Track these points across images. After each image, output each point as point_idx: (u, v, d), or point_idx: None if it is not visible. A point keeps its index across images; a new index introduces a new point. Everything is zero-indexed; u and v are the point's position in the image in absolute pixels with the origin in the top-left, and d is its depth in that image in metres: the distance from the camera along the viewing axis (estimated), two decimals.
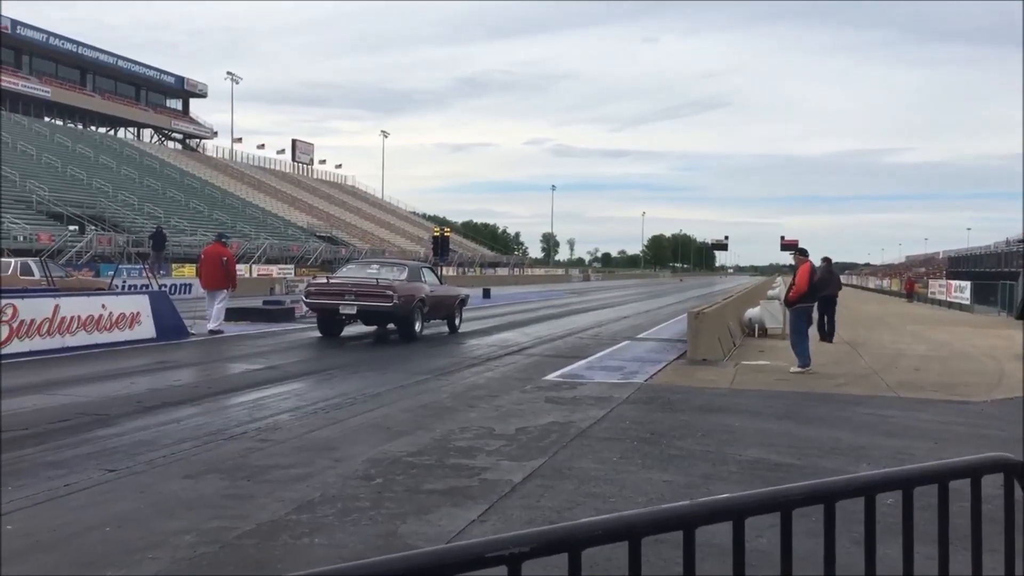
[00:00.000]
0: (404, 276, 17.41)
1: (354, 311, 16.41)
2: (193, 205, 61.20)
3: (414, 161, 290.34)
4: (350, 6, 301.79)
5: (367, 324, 17.76)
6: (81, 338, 13.75)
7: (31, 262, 22.53)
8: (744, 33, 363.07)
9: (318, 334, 17.23)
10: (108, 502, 5.40)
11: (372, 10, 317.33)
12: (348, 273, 18.34)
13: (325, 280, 17.78)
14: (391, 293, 16.12)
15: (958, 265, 49.80)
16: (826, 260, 13.47)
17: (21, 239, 38.70)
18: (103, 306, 14.40)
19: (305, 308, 18.30)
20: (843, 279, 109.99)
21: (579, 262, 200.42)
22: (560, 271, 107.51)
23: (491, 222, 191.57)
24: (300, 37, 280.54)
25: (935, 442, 7.84)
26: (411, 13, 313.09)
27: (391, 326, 17.47)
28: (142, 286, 24.62)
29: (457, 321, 19.49)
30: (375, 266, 18.79)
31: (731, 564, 1.62)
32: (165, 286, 25.76)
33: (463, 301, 19.97)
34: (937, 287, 44.28)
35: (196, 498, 5.51)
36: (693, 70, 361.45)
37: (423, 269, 19.15)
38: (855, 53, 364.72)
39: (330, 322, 17.13)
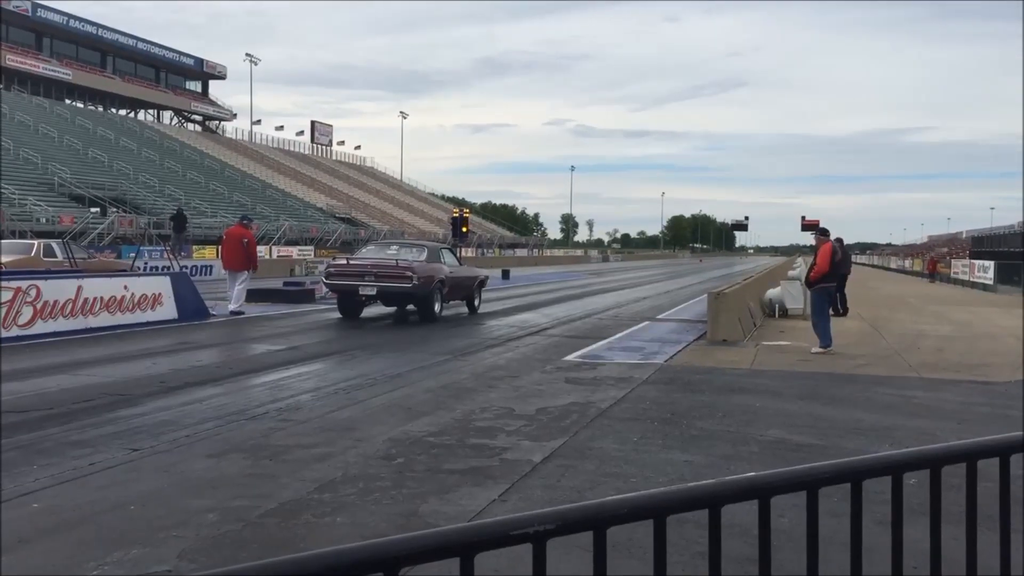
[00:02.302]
0: (423, 257, 17.25)
1: (374, 292, 16.37)
2: (213, 187, 61.43)
3: (434, 142, 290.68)
4: None
5: (386, 305, 17.62)
6: (104, 319, 13.87)
7: (54, 244, 22.67)
8: (766, 11, 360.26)
9: (338, 315, 17.29)
10: (132, 481, 5.45)
11: None
12: (368, 254, 18.29)
13: (345, 261, 17.65)
14: (411, 274, 16.08)
15: (981, 245, 49.23)
16: (838, 240, 13.49)
17: (44, 221, 38.99)
18: (125, 287, 14.50)
19: (325, 289, 18.31)
20: (864, 259, 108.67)
21: (598, 243, 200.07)
22: (579, 252, 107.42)
23: (510, 203, 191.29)
24: (320, 18, 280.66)
25: (958, 422, 7.79)
26: None
27: (411, 307, 17.46)
28: (163, 267, 24.76)
29: (476, 302, 19.52)
30: (394, 247, 18.61)
31: (751, 543, 1.60)
32: (186, 267, 25.94)
33: (482, 282, 19.99)
34: (960, 267, 43.86)
35: (219, 477, 5.56)
36: (715, 49, 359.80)
37: (442, 250, 19.01)
38: (878, 31, 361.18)
39: (350, 303, 17.07)
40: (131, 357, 11.29)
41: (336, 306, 17.59)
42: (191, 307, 15.90)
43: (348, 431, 6.94)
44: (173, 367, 10.46)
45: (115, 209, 44.59)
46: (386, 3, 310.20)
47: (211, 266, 33.26)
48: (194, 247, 39.54)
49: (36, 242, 22.55)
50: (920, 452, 1.78)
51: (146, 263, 28.31)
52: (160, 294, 15.22)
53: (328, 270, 17.44)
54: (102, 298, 13.88)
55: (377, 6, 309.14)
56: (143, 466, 5.81)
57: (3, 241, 24.28)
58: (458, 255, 20.78)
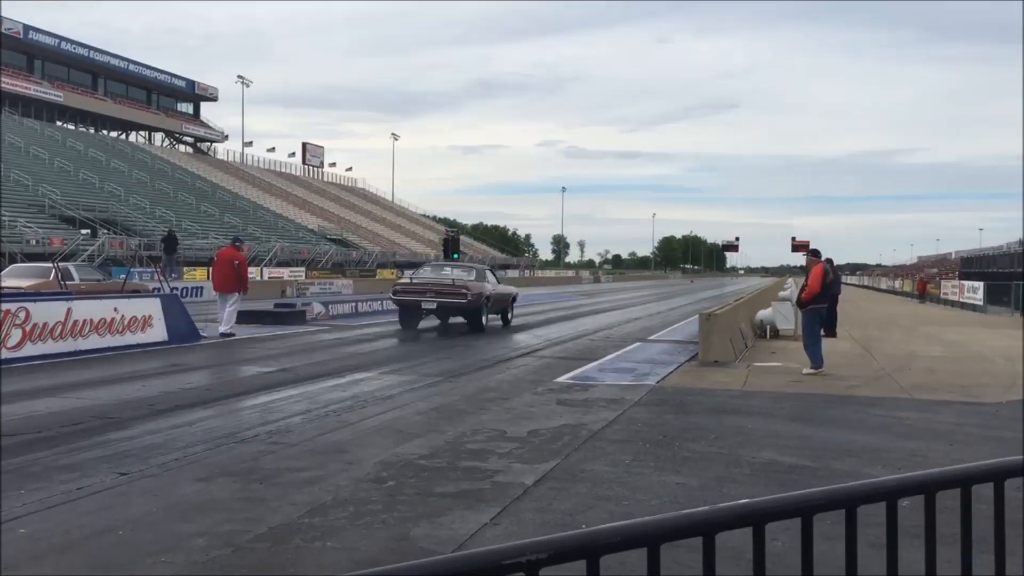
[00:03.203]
0: (473, 277, 20.19)
1: (434, 306, 19.11)
2: (204, 208, 61.40)
3: (426, 163, 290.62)
4: (363, 8, 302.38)
5: (440, 317, 20.42)
6: (93, 341, 13.79)
7: (71, 267, 22.64)
8: (758, 33, 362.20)
9: (332, 336, 17.29)
10: (120, 505, 5.40)
11: (385, 12, 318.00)
12: (426, 275, 21.03)
13: (409, 280, 20.55)
14: (465, 291, 18.88)
15: (971, 265, 49.50)
16: (828, 261, 13.59)
17: (34, 243, 38.86)
18: (115, 309, 14.44)
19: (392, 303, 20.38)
20: (854, 280, 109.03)
21: (589, 264, 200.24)
22: (571, 273, 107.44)
23: (502, 224, 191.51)
24: (313, 39, 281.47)
25: (950, 444, 7.78)
26: (424, 15, 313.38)
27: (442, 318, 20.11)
28: (154, 289, 24.67)
29: (509, 315, 22.34)
30: (448, 268, 21.72)
31: (744, 566, 1.59)
32: (176, 289, 25.85)
33: (515, 298, 23.08)
34: (950, 288, 44.03)
35: (208, 501, 5.51)
36: (706, 70, 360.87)
37: (486, 271, 22.08)
38: (869, 53, 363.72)
39: (410, 315, 19.66)
40: (120, 380, 11.22)
41: (398, 319, 20.09)
42: (181, 329, 15.84)
43: (339, 454, 6.90)
44: (163, 390, 10.40)
45: (106, 231, 44.50)
46: (379, 25, 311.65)
47: (202, 287, 33.16)
48: (185, 268, 39.44)
49: (51, 265, 22.52)
50: (914, 478, 1.77)
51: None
52: (150, 316, 15.16)
53: (395, 287, 20.29)
54: (92, 320, 13.82)
55: (370, 28, 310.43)
56: (132, 490, 5.76)
57: (20, 265, 24.39)
58: (496, 275, 23.74)
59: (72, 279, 21.34)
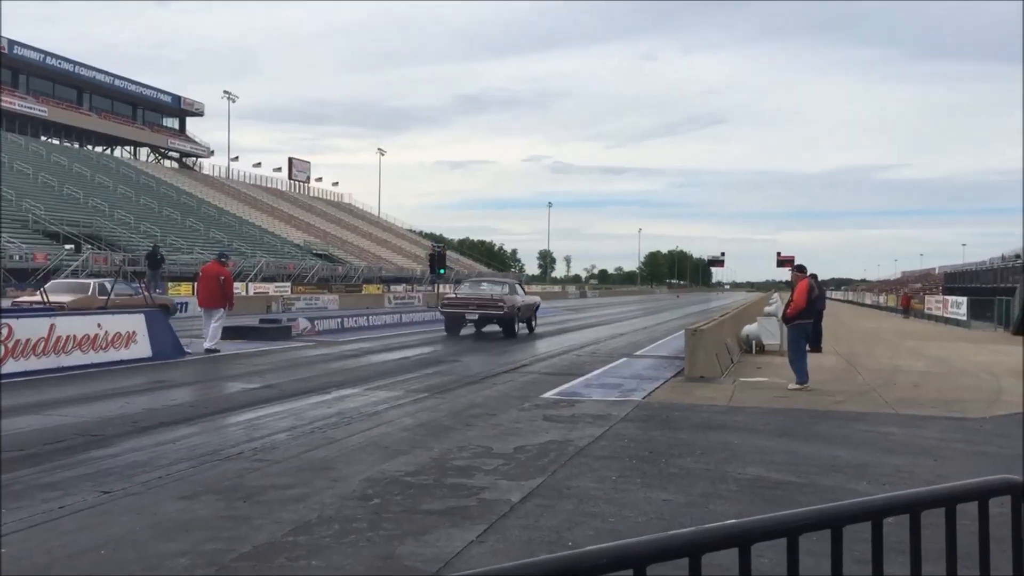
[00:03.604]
0: (506, 291, 23.90)
1: (476, 316, 22.62)
2: (190, 223, 61.18)
3: (413, 178, 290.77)
4: (350, 24, 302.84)
5: (478, 327, 23.48)
6: (76, 357, 13.70)
7: (106, 282, 23.47)
8: (743, 50, 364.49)
9: (318, 351, 17.40)
10: (103, 524, 5.35)
11: (372, 28, 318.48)
12: (466, 290, 24.97)
13: (455, 295, 24.63)
14: (502, 304, 22.56)
15: (954, 281, 49.84)
16: (813, 276, 13.69)
17: (17, 258, 38.62)
18: (99, 325, 14.35)
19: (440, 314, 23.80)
20: (839, 295, 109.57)
21: (576, 279, 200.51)
22: (557, 288, 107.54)
23: (488, 239, 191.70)
24: (300, 55, 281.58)
25: (935, 459, 7.81)
26: (411, 31, 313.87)
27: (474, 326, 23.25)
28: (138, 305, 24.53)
29: (533, 323, 25.74)
30: (485, 284, 25.84)
31: None
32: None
33: (537, 307, 26.83)
34: (933, 303, 44.31)
35: (192, 520, 5.47)
36: (692, 87, 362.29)
37: (516, 284, 26.15)
38: (853, 70, 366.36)
39: (456, 323, 23.08)
40: (104, 396, 11.14)
41: (444, 327, 23.41)
42: (166, 345, 15.75)
43: (324, 471, 6.86)
44: (147, 406, 10.33)
45: (90, 246, 44.27)
46: (366, 40, 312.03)
47: (187, 303, 32.99)
48: (170, 284, 39.25)
49: (92, 281, 23.80)
50: (900, 497, 1.77)
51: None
52: (134, 332, 15.06)
53: (443, 301, 24.55)
54: (75, 336, 13.73)
55: (357, 43, 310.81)
56: (114, 509, 5.71)
57: (60, 280, 26.01)
58: (523, 287, 28.15)
59: (106, 294, 22.04)
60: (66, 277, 33.46)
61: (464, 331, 23.66)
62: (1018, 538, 1.89)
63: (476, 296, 23.28)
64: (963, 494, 1.84)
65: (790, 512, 1.62)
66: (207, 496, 6.04)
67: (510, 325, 22.84)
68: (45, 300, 19.07)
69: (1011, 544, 1.92)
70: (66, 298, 20.81)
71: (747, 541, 1.54)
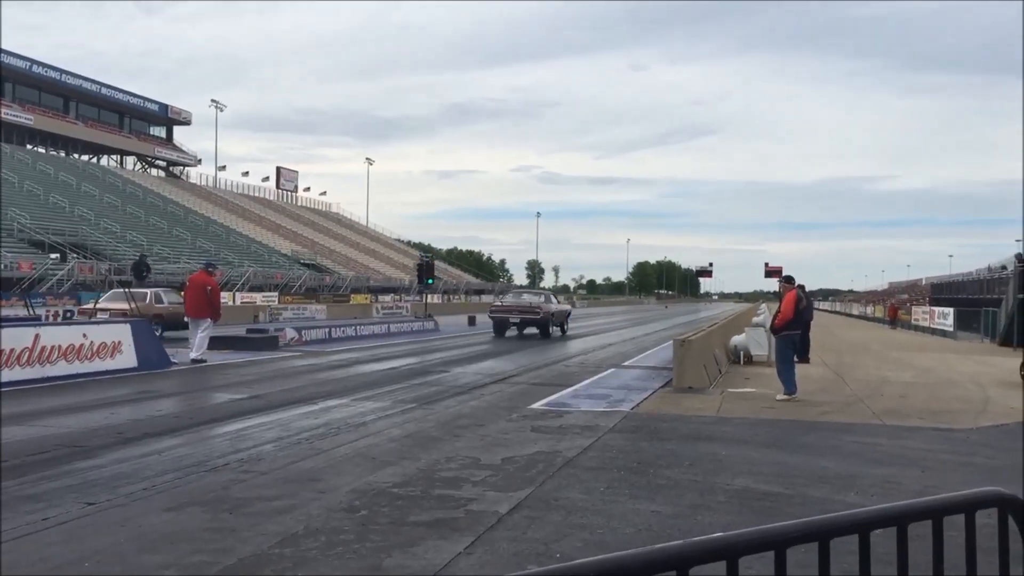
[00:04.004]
0: (542, 300, 29.98)
1: (517, 320, 28.11)
2: (176, 233, 61.00)
3: (401, 188, 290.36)
4: (338, 33, 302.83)
5: (520, 329, 28.67)
6: (61, 368, 13.61)
7: (161, 292, 25.79)
8: (732, 61, 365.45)
9: (305, 362, 17.46)
10: (87, 536, 5.31)
11: (360, 37, 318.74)
12: (510, 299, 30.89)
13: (500, 303, 30.66)
14: (540, 311, 28.08)
15: (941, 292, 50.06)
16: (800, 287, 13.76)
17: (2, 267, 38.41)
18: (84, 335, 14.27)
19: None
20: (827, 306, 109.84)
21: (564, 289, 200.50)
22: None
23: (477, 249, 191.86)
24: (289, 64, 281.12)
25: (922, 470, 7.82)
26: (400, 40, 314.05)
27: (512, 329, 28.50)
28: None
29: (565, 327, 31.00)
30: (525, 295, 32.03)
31: None
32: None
33: (568, 314, 32.68)
34: (920, 313, 44.51)
35: (177, 532, 5.42)
36: (681, 98, 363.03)
37: (550, 295, 32.91)
38: (841, 81, 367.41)
39: (501, 327, 28.34)
40: (89, 407, 11.07)
41: (492, 329, 28.77)
42: (152, 355, 15.67)
43: (311, 482, 6.83)
44: (132, 417, 10.27)
45: (75, 255, 44.08)
46: (355, 50, 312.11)
47: None
48: None
49: (149, 291, 26.03)
50: (886, 510, 1.77)
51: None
52: (120, 342, 14.98)
53: (491, 308, 30.28)
54: (60, 347, 13.64)
55: (346, 52, 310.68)
56: (99, 521, 5.66)
57: (117, 290, 27.77)
58: (555, 297, 34.26)
59: (162, 303, 25.03)
60: (50, 286, 33.28)
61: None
62: (1005, 550, 1.89)
63: (517, 305, 29.16)
64: (950, 506, 1.84)
65: (777, 525, 1.62)
66: (192, 508, 6.00)
67: (545, 327, 28.35)
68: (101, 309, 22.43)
69: (998, 556, 1.92)
70: (125, 305, 22.52)
71: (734, 554, 1.54)
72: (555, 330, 29.40)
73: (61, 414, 10.46)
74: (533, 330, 28.87)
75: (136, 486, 6.61)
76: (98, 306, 24.10)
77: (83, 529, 5.46)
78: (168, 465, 7.44)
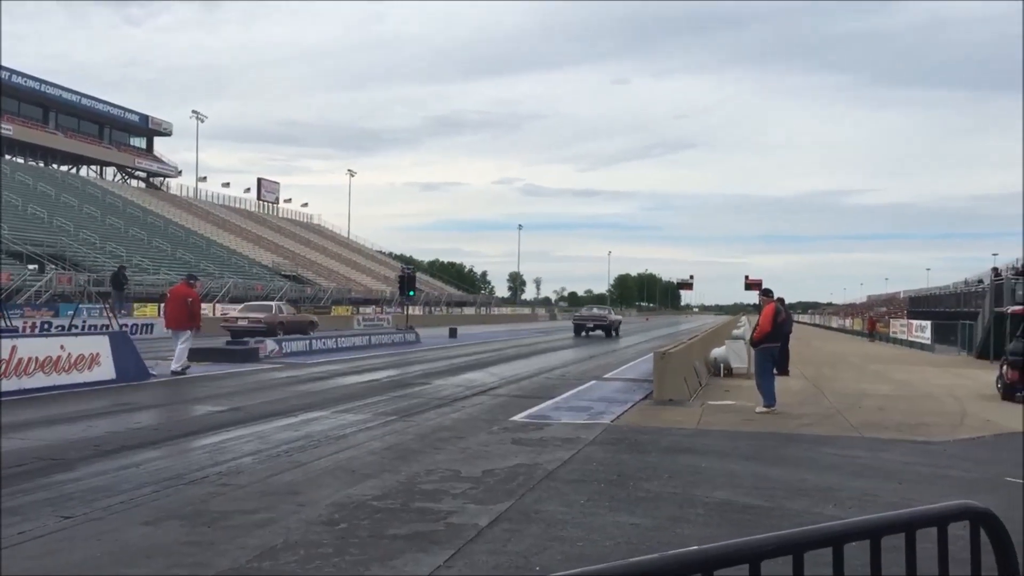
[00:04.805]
0: (606, 312, 45.78)
1: (591, 326, 42.04)
2: (156, 244, 60.65)
3: (383, 200, 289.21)
4: (321, 45, 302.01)
5: (591, 331, 42.00)
6: (39, 380, 13.49)
7: (282, 305, 32.51)
8: (714, 76, 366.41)
9: (285, 374, 17.51)
10: (64, 550, 5.26)
11: (343, 49, 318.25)
12: (584, 312, 46.42)
13: (581, 314, 45.47)
14: (605, 320, 42.91)
15: (918, 305, 50.48)
16: (780, 300, 13.88)
17: None
18: (62, 347, 14.15)
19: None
20: (806, 318, 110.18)
21: (545, 301, 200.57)
22: (527, 310, 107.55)
23: (459, 261, 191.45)
24: (272, 75, 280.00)
25: (899, 483, 7.88)
26: (384, 52, 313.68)
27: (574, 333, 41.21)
28: (102, 326, 24.27)
29: (614, 332, 43.49)
30: (595, 308, 49.61)
31: None
32: (126, 326, 25.45)
33: (620, 322, 46.96)
34: (898, 326, 44.84)
35: (155, 545, 5.39)
36: (663, 111, 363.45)
37: (610, 309, 50.25)
38: (821, 96, 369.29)
39: (580, 329, 41.94)
40: (66, 419, 10.98)
41: (573, 331, 42.85)
42: (130, 367, 15.55)
43: (290, 495, 6.80)
44: (110, 430, 10.19)
45: (54, 266, 43.73)
46: (338, 61, 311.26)
47: (152, 324, 32.66)
48: (135, 305, 38.82)
49: (275, 303, 32.29)
50: (859, 523, 1.79)
51: (84, 321, 27.68)
52: (98, 354, 14.86)
53: (574, 316, 46.48)
54: (37, 358, 13.52)
55: (329, 64, 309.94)
56: (76, 534, 5.61)
57: (252, 303, 34.15)
58: (612, 310, 53.15)
59: (283, 313, 30.38)
60: (28, 297, 33.01)
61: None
62: (977, 563, 1.92)
63: (591, 315, 44.49)
64: (923, 519, 1.86)
65: (752, 538, 1.63)
66: (170, 521, 5.96)
67: (608, 331, 42.73)
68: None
69: (970, 569, 1.95)
70: (260, 315, 29.18)
71: (710, 567, 1.55)
72: (613, 334, 42.86)
73: (38, 427, 10.37)
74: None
75: (113, 499, 6.56)
76: (238, 315, 30.22)
77: (59, 543, 5.41)
78: (146, 478, 7.39)
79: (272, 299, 40.52)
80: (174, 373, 16.66)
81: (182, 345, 17.18)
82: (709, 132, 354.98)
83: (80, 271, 44.64)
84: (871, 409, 13.60)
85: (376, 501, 6.62)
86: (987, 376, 18.57)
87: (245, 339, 24.58)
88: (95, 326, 25.68)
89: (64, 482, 7.20)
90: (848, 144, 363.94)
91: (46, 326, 26.55)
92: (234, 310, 32.46)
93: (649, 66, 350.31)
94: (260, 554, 5.19)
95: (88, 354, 14.64)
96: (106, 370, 14.94)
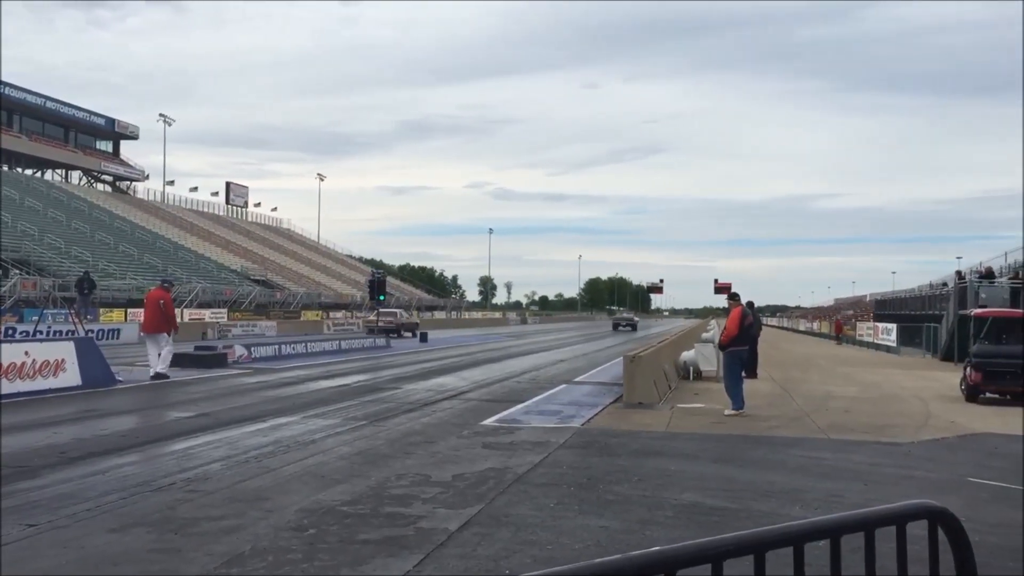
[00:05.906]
0: (633, 315, 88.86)
1: (622, 324, 72.00)
2: (123, 248, 60.01)
3: (354, 204, 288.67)
4: (292, 49, 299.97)
5: (621, 330, 66.66)
6: (3, 386, 13.28)
7: (401, 311, 42.17)
8: (683, 81, 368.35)
9: (254, 379, 17.42)
10: (29, 559, 5.20)
11: (314, 53, 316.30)
12: (618, 315, 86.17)
13: (617, 316, 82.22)
14: (632, 319, 78.01)
15: (884, 308, 51.05)
16: (749, 304, 13.99)
17: None
18: (26, 353, 13.97)
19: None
20: (775, 321, 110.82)
21: (516, 305, 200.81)
22: (498, 314, 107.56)
23: (429, 265, 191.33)
24: (241, 79, 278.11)
25: (865, 484, 7.98)
26: (354, 56, 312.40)
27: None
28: (68, 332, 23.98)
29: (637, 328, 69.86)
30: (625, 313, 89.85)
31: None
32: (92, 332, 25.16)
33: (639, 321, 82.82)
34: (865, 329, 45.35)
35: (122, 553, 5.34)
36: (633, 116, 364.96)
37: (633, 313, 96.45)
38: (788, 102, 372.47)
39: (616, 326, 71.38)
40: (30, 426, 10.84)
41: (611, 328, 67.97)
42: (96, 373, 15.37)
43: (259, 501, 6.76)
44: (76, 436, 10.07)
45: (18, 271, 43.14)
46: (308, 66, 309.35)
47: (119, 330, 32.35)
48: (101, 310, 38.39)
49: (397, 311, 44.60)
50: (819, 522, 1.83)
51: (49, 327, 27.33)
52: (63, 360, 14.68)
53: (613, 320, 79.16)
54: (1, 365, 13.33)
55: (299, 68, 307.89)
56: (40, 543, 5.55)
57: (384, 310, 41.30)
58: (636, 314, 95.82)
59: (402, 318, 41.70)
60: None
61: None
62: (935, 561, 1.96)
63: (623, 317, 76.49)
64: (882, 518, 1.90)
65: (714, 539, 1.66)
66: (137, 528, 5.91)
67: (634, 328, 68.31)
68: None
69: (929, 567, 1.99)
70: (391, 319, 40.11)
71: (673, 567, 1.58)
72: (634, 332, 61.97)
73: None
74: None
75: (79, 507, 6.49)
76: (376, 318, 39.88)
77: (24, 551, 5.35)
78: (112, 485, 7.32)
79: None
80: (158, 376, 16.63)
81: (165, 349, 17.18)
82: (679, 137, 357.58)
83: (45, 276, 44.08)
84: (838, 411, 13.75)
85: (346, 506, 6.61)
86: (951, 378, 18.85)
87: (214, 344, 24.40)
88: (60, 332, 25.37)
89: (29, 490, 7.11)
90: (816, 149, 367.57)
91: (10, 332, 26.18)
92: (371, 316, 45.91)
93: (619, 71, 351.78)
94: (228, 561, 5.17)
95: (53, 360, 14.46)
96: (72, 376, 14.77)
